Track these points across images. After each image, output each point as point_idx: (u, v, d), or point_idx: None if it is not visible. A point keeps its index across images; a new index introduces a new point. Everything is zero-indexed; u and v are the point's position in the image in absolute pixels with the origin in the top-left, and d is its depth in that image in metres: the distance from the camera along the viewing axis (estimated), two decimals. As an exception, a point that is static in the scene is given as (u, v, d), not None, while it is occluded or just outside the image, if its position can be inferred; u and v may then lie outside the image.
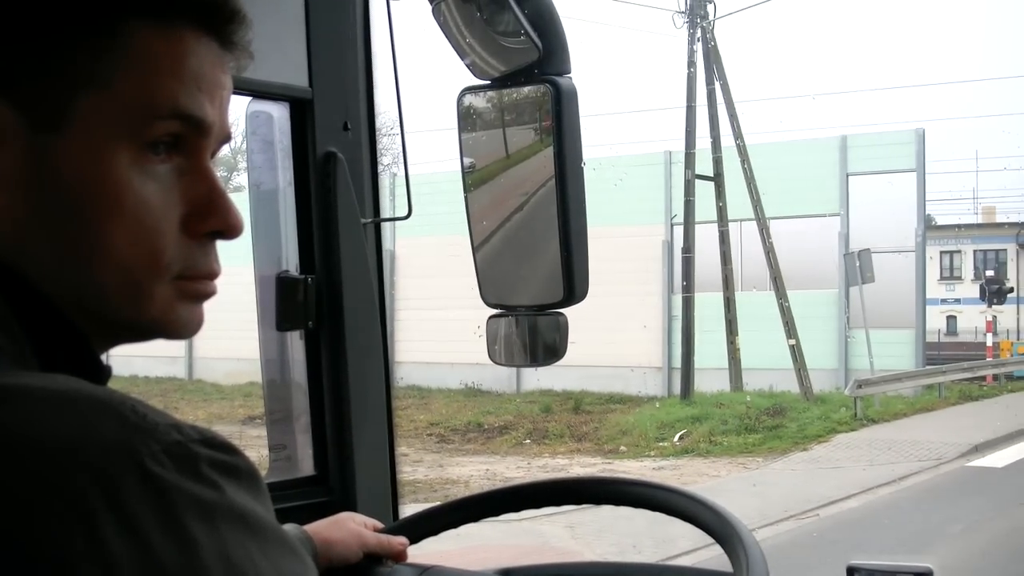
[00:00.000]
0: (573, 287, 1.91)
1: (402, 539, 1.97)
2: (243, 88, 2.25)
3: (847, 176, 30.16)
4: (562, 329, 2.02)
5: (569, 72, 1.97)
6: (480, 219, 2.08)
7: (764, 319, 27.53)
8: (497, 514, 2.00)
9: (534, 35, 1.95)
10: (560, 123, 1.92)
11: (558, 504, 2.00)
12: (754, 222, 27.49)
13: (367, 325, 2.53)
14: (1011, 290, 46.47)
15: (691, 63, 27.51)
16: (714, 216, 27.85)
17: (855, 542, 11.99)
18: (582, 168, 1.95)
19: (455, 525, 2.01)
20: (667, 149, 31.01)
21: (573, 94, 1.94)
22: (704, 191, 27.78)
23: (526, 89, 1.99)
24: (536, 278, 2.01)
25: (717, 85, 27.44)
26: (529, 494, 2.01)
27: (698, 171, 27.66)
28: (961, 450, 19.43)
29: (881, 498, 15.53)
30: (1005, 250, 49.27)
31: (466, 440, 21.91)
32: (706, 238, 28.02)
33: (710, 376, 27.27)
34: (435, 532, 2.01)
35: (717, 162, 27.65)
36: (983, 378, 33.23)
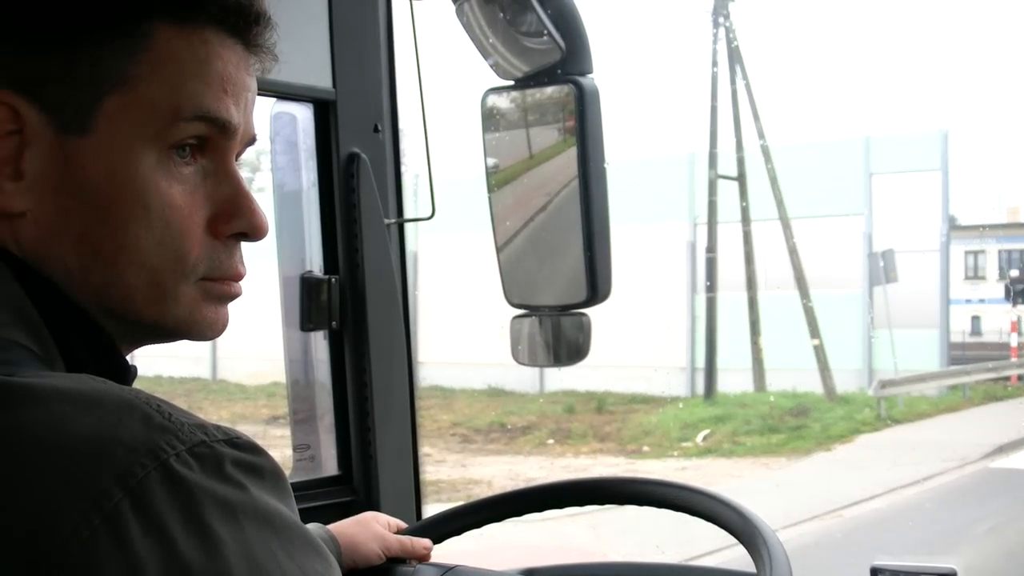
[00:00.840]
0: (596, 287, 1.92)
1: (426, 542, 1.97)
2: (267, 89, 2.26)
3: (870, 176, 30.02)
4: (585, 329, 2.03)
5: (592, 72, 1.97)
6: (504, 219, 2.09)
7: (787, 319, 27.42)
8: (520, 514, 2.00)
9: (557, 35, 1.95)
10: (583, 123, 1.92)
11: (581, 504, 2.00)
12: (777, 222, 27.41)
13: (391, 325, 2.54)
14: (1038, 290, 46.18)
15: (714, 63, 27.46)
16: (737, 216, 27.78)
17: (879, 543, 11.96)
18: (605, 168, 1.95)
19: (478, 525, 2.01)
20: (690, 149, 30.93)
21: (596, 94, 1.94)
22: (727, 191, 27.72)
23: (549, 89, 2.00)
24: (559, 278, 2.01)
25: (740, 85, 27.37)
26: (552, 494, 2.01)
27: (721, 171, 27.60)
28: (986, 451, 19.31)
29: (905, 499, 15.46)
30: (1032, 250, 49.02)
31: (489, 440, 21.90)
32: (729, 239, 27.94)
33: (733, 376, 27.19)
34: (458, 532, 2.02)
35: (740, 162, 27.58)
36: (1008, 379, 33.03)
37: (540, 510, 2.02)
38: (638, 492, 1.96)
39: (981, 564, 11.00)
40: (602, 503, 2.03)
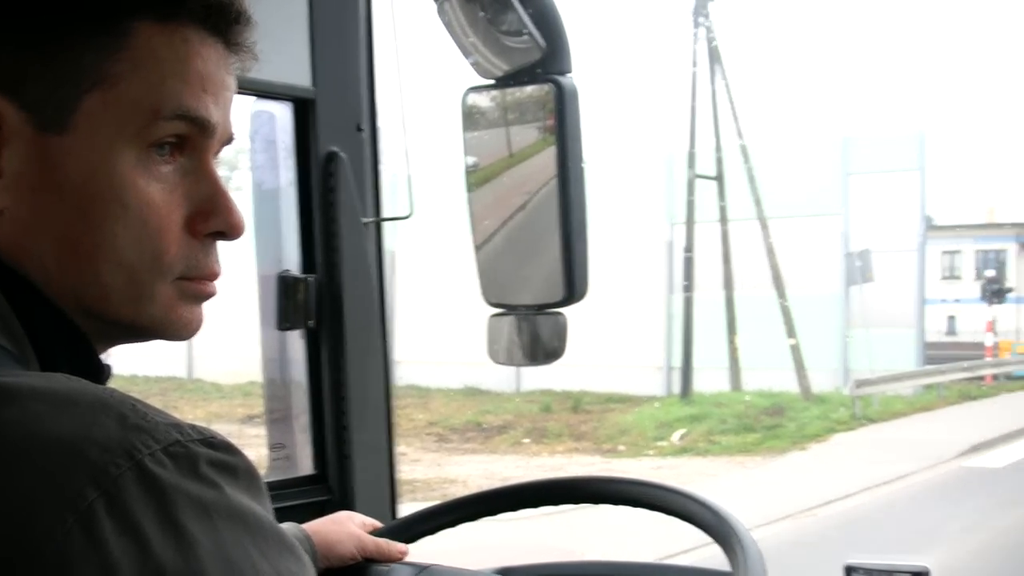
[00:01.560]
0: (573, 287, 1.92)
1: (401, 546, 1.97)
2: (246, 88, 2.25)
3: (848, 176, 30.16)
4: (562, 329, 2.03)
5: (571, 71, 1.97)
6: (482, 218, 2.09)
7: (764, 319, 27.55)
8: (495, 513, 2.01)
9: (537, 34, 1.95)
10: (562, 122, 1.93)
11: (556, 504, 2.00)
12: (755, 222, 27.52)
13: (368, 324, 2.53)
14: (1011, 290, 46.52)
15: (694, 62, 27.56)
16: (716, 216, 27.88)
17: (853, 541, 12.02)
18: (583, 168, 1.95)
19: (453, 524, 2.01)
20: (669, 149, 30.99)
21: (575, 93, 1.95)
22: (706, 191, 27.82)
23: (529, 88, 2.00)
24: (537, 277, 2.01)
25: (719, 84, 27.47)
26: (527, 494, 2.02)
27: (700, 171, 27.69)
28: (960, 449, 19.45)
29: (879, 497, 15.54)
30: (1005, 250, 49.30)
31: (465, 439, 21.91)
32: (707, 238, 28.05)
33: (710, 376, 27.31)
34: (433, 531, 2.01)
35: (719, 162, 27.69)
36: (983, 378, 33.25)
37: (515, 509, 2.02)
38: (613, 491, 1.96)
39: (955, 563, 11.07)
40: (577, 503, 2.03)
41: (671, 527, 1.84)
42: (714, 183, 27.89)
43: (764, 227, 27.44)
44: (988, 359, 36.98)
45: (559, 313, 2.00)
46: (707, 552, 1.78)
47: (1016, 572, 11.28)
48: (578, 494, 2.03)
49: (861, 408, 23.76)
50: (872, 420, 23.35)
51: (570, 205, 1.91)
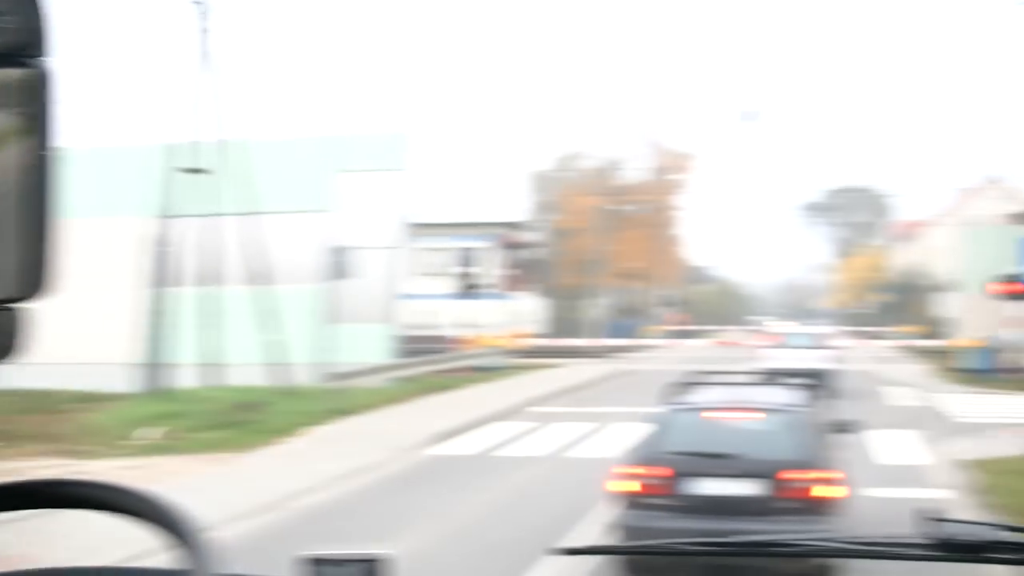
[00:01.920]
0: (38, 279, 1.86)
1: None
2: None
3: (336, 174, 30.72)
4: (23, 324, 1.96)
5: (50, 55, 1.93)
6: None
7: (247, 314, 27.59)
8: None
9: (11, 15, 1.89)
10: (35, 108, 1.87)
11: (7, 510, 1.92)
12: (241, 217, 27.50)
13: None
14: (484, 286, 48.98)
15: (187, 55, 27.24)
16: (200, 211, 27.63)
17: (322, 533, 12.20)
18: (54, 156, 1.91)
19: None
20: (154, 141, 30.24)
21: (51, 78, 1.90)
22: (192, 185, 27.51)
23: (2, 72, 1.93)
24: (-1, 269, 1.93)
25: (210, 79, 27.26)
26: None
27: (197, 165, 27.33)
28: (426, 438, 20.34)
29: (349, 489, 15.93)
30: (481, 248, 51.74)
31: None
32: (191, 233, 27.81)
33: (189, 372, 27.06)
34: None
35: (202, 156, 27.40)
36: (458, 370, 34.77)
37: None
38: (62, 494, 1.91)
39: (420, 547, 11.52)
40: (25, 508, 1.97)
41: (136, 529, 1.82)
42: (199, 176, 27.58)
43: (249, 222, 27.45)
44: (457, 352, 38.66)
45: (18, 308, 1.94)
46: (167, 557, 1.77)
47: (472, 552, 11.87)
48: (24, 499, 1.97)
49: (336, 401, 24.21)
50: (346, 413, 23.88)
51: (40, 195, 1.86)
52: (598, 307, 61.62)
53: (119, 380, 27.31)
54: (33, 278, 1.88)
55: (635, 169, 68.22)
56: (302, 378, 26.98)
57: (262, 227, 27.92)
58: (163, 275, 28.16)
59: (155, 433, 21.23)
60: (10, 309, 1.96)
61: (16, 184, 1.93)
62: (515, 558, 11.14)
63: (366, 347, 29.36)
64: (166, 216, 28.31)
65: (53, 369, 23.36)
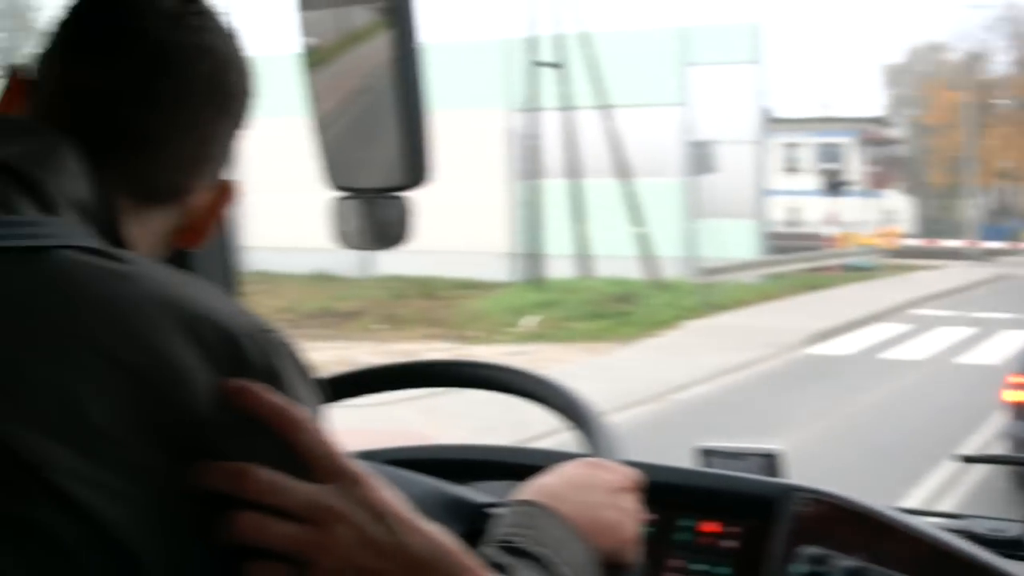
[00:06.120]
0: (417, 170, 1.87)
1: None
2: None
3: (687, 67, 30.27)
4: (406, 213, 1.97)
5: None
6: (322, 100, 2.01)
7: (610, 207, 27.78)
8: (349, 397, 1.97)
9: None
10: (400, 3, 1.86)
11: (407, 387, 1.99)
12: (597, 110, 27.61)
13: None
14: (849, 183, 47.64)
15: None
16: (557, 103, 27.90)
17: (704, 426, 12.25)
18: (419, 49, 1.89)
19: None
20: (508, 34, 30.72)
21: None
22: (546, 78, 27.81)
23: (366, -33, 1.92)
24: (379, 161, 1.94)
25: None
26: (377, 377, 2.00)
27: (550, 58, 27.63)
28: (805, 337, 19.96)
29: (728, 384, 15.88)
30: (843, 144, 50.32)
31: (319, 325, 21.79)
32: (549, 126, 28.14)
33: (560, 263, 27.51)
34: None
35: (560, 49, 27.61)
36: (828, 268, 34.08)
37: (371, 393, 2.00)
38: (467, 375, 1.96)
39: (802, 447, 11.37)
40: (432, 386, 2.03)
41: (529, 413, 1.84)
42: (554, 70, 27.85)
43: (607, 115, 27.54)
44: (830, 250, 37.88)
45: (403, 197, 1.95)
46: (564, 437, 1.78)
47: (862, 454, 11.64)
48: (432, 378, 2.03)
49: (708, 296, 24.17)
50: (720, 308, 23.80)
51: (409, 87, 1.85)
52: (972, 208, 59.11)
53: (494, 268, 28.09)
54: (413, 168, 1.89)
55: (1004, 62, 64.52)
56: (671, 272, 27.02)
57: (618, 120, 27.93)
58: (530, 167, 28.65)
59: (535, 321, 21.80)
60: (396, 198, 1.99)
61: (389, 78, 1.93)
62: (907, 463, 10.84)
63: (733, 243, 29.04)
64: (526, 109, 28.71)
65: (430, 257, 24.28)
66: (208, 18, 1.39)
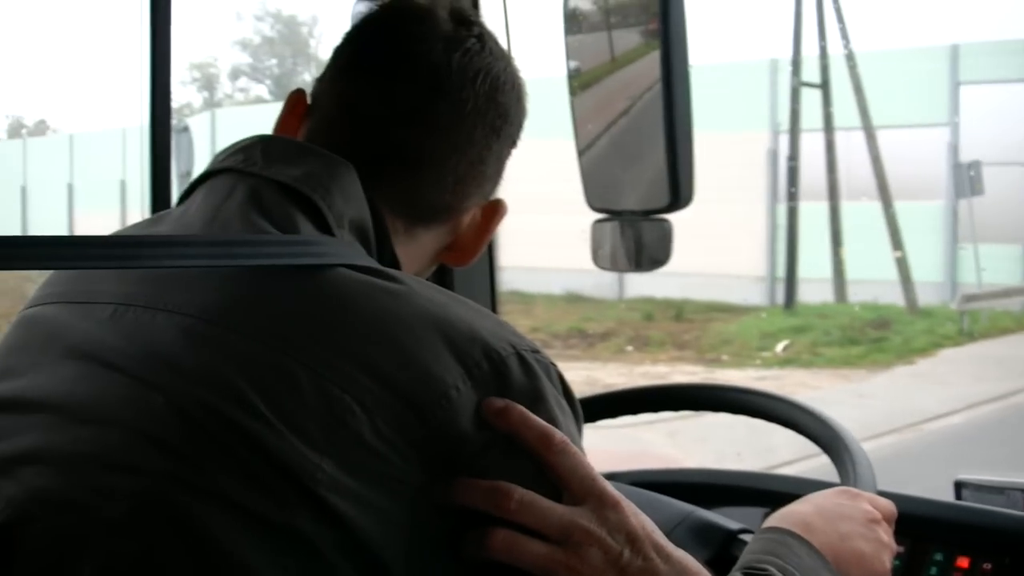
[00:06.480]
0: (679, 192, 1.88)
1: None
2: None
3: (957, 85, 29.27)
4: (667, 235, 2.00)
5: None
6: (585, 122, 2.05)
7: (869, 229, 27.09)
8: (597, 419, 2.00)
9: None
10: (666, 26, 1.87)
11: (659, 410, 2.01)
12: (858, 131, 26.99)
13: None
14: None
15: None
16: (818, 125, 27.37)
17: (959, 458, 11.84)
18: (688, 72, 1.90)
19: None
20: (772, 55, 30.33)
21: (677, -4, 1.89)
22: (808, 99, 27.32)
23: (632, -10, 1.94)
24: (642, 183, 1.98)
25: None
26: (629, 400, 2.01)
27: (809, 79, 27.16)
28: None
29: (987, 414, 15.30)
30: None
31: (567, 346, 21.89)
32: (809, 146, 27.60)
33: (814, 287, 26.96)
34: None
35: (824, 69, 27.11)
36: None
37: (616, 416, 2.02)
38: (718, 398, 1.96)
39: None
40: (680, 409, 2.03)
41: (775, 438, 1.82)
42: (817, 90, 27.35)
43: (870, 136, 26.89)
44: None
45: (664, 219, 1.96)
46: (810, 464, 1.75)
47: None
48: (681, 401, 2.04)
49: (969, 323, 23.36)
50: (980, 336, 22.96)
51: (675, 110, 1.87)
52: None
53: (746, 292, 27.74)
54: (676, 190, 1.90)
55: None
56: (929, 298, 26.19)
57: (879, 141, 27.23)
58: (789, 189, 28.20)
59: (781, 346, 21.47)
60: (657, 219, 2.01)
61: (654, 99, 1.94)
62: None
63: (997, 269, 27.93)
64: (786, 131, 28.27)
65: (682, 279, 24.17)
66: (484, 41, 1.45)
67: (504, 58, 1.47)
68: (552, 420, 1.21)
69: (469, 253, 1.52)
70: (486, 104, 1.43)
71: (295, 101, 1.49)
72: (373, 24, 1.46)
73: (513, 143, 1.50)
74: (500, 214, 1.52)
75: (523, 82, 1.50)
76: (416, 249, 1.44)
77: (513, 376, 1.21)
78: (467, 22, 1.47)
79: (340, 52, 1.46)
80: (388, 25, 1.45)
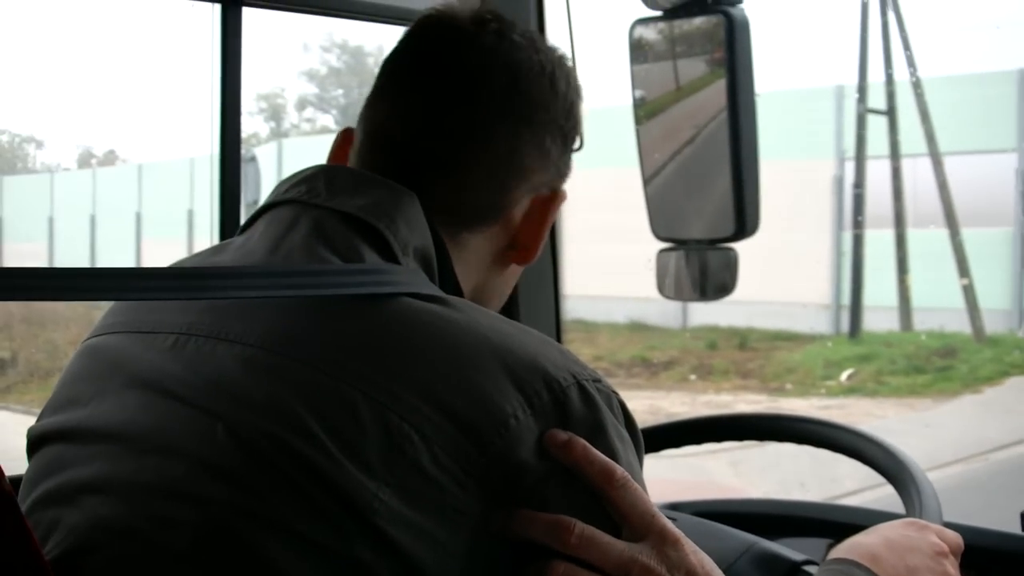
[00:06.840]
0: (744, 221, 1.89)
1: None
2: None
3: (1030, 109, 28.94)
4: (732, 264, 2.00)
5: (741, 1, 1.92)
6: (651, 152, 2.07)
7: (934, 257, 26.81)
8: (659, 449, 1.99)
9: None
10: (732, 54, 1.88)
11: (722, 440, 2.00)
12: (924, 158, 26.75)
13: (539, 262, 2.51)
14: None
15: (865, -4, 26.78)
16: (884, 151, 27.15)
17: (1028, 488, 11.70)
18: (755, 100, 1.91)
19: None
20: (837, 82, 30.17)
21: (745, 25, 1.90)
22: (874, 126, 27.12)
23: (698, 20, 1.96)
24: (707, 211, 1.98)
25: (890, 14, 26.67)
26: (692, 429, 2.01)
27: (873, 105, 26.97)
28: None
29: (1057, 444, 15.11)
30: None
31: (630, 375, 21.83)
32: (875, 174, 27.37)
33: (879, 315, 26.71)
34: None
35: (890, 95, 26.92)
36: None
37: (679, 445, 2.02)
38: (782, 428, 1.95)
39: None
40: (744, 439, 2.02)
41: (839, 468, 1.81)
42: (883, 117, 27.15)
43: (937, 163, 26.64)
44: None
45: (730, 248, 1.97)
46: (874, 494, 1.74)
47: None
48: (745, 430, 2.02)
49: (1036, 351, 23.08)
50: (1049, 366, 22.67)
51: (741, 138, 1.88)
52: None
53: (811, 320, 27.53)
54: (741, 219, 1.91)
55: None
56: (995, 326, 25.87)
57: (945, 167, 26.95)
58: (856, 217, 27.98)
59: (846, 375, 21.28)
60: (723, 248, 2.01)
61: (719, 128, 1.95)
62: None
63: (1067, 296, 27.58)
64: (849, 158, 28.07)
65: (747, 307, 24.03)
66: (504, 34, 1.45)
67: (531, 46, 1.47)
68: (611, 451, 1.21)
69: (532, 249, 1.52)
70: (506, 96, 1.42)
71: (343, 138, 1.51)
72: (396, 47, 1.48)
73: (559, 128, 1.48)
74: (557, 202, 1.52)
75: (562, 66, 1.46)
76: (469, 256, 1.44)
77: (573, 406, 1.20)
78: (484, 20, 1.46)
79: (376, 78, 1.49)
80: (407, 46, 1.48)
